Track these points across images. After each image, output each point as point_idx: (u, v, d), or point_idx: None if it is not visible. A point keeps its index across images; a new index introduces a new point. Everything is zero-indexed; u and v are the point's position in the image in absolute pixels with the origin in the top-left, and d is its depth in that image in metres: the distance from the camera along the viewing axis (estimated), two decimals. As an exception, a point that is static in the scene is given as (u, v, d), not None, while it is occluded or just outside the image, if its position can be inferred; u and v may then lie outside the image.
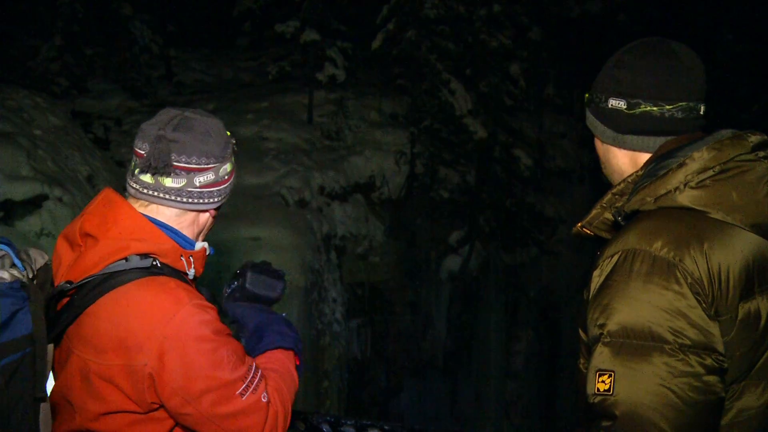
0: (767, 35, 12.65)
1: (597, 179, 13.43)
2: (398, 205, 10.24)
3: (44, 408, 1.68)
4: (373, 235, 9.81)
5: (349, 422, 2.34)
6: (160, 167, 1.65)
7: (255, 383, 1.63)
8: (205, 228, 1.81)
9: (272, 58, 11.69)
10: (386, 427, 2.29)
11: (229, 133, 1.79)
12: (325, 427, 2.38)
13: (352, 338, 9.47)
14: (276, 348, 1.81)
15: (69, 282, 1.65)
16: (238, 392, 1.59)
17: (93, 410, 1.61)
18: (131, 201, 1.71)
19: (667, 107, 1.56)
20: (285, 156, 9.52)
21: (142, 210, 1.71)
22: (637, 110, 1.58)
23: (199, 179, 1.69)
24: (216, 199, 1.74)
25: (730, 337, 1.39)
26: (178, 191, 1.68)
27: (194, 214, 1.75)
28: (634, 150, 1.62)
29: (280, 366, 1.77)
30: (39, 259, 1.72)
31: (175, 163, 1.66)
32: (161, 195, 1.68)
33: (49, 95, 8.80)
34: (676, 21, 13.11)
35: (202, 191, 1.70)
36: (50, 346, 1.68)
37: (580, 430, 1.65)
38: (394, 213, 10.19)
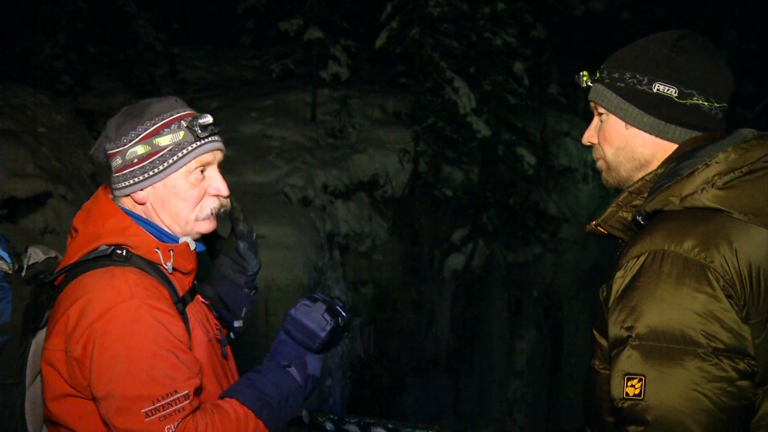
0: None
1: (601, 177, 13.39)
2: (401, 203, 10.23)
3: (33, 397, 1.71)
4: (376, 234, 9.79)
5: (352, 420, 2.33)
6: (97, 156, 1.77)
7: (169, 411, 1.51)
8: (166, 211, 1.75)
9: (276, 56, 11.69)
10: (390, 426, 2.28)
11: (198, 115, 1.77)
12: (329, 425, 2.36)
13: (355, 336, 9.46)
14: (232, 398, 1.69)
15: (51, 273, 1.71)
16: (143, 410, 1.50)
17: (44, 395, 1.65)
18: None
19: (716, 105, 1.50)
20: (288, 154, 9.51)
21: (123, 204, 1.76)
22: (689, 101, 1.49)
23: (113, 165, 1.74)
24: (123, 184, 1.73)
25: (760, 341, 1.35)
26: (110, 180, 1.76)
27: (129, 200, 1.76)
28: (673, 142, 1.53)
29: (233, 412, 1.65)
30: (38, 254, 1.78)
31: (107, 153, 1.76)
32: (110, 185, 1.77)
33: (53, 93, 8.80)
34: (680, 19, 13.08)
35: (114, 177, 1.74)
36: (44, 335, 1.71)
37: (588, 429, 1.64)
38: (398, 211, 10.18)
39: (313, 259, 8.37)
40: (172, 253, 1.72)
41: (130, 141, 1.71)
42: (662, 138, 1.54)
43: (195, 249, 1.81)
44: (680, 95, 1.49)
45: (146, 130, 1.71)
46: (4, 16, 9.18)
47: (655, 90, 1.51)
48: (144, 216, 1.76)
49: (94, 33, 10.26)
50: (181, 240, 1.78)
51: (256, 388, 1.71)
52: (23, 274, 1.71)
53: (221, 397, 1.71)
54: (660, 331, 1.34)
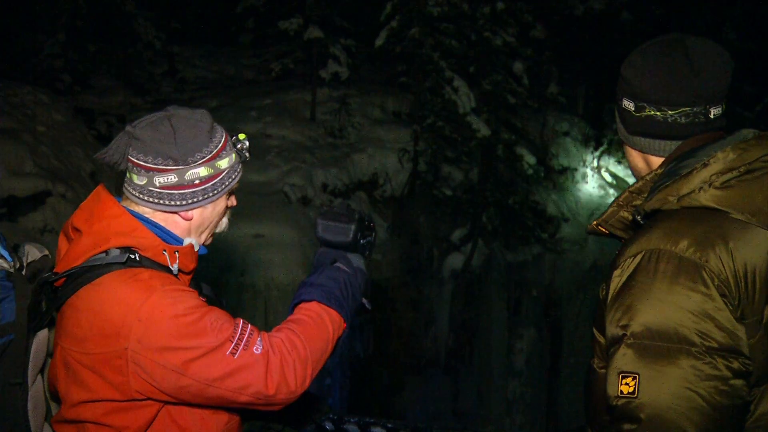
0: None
1: (600, 177, 13.41)
2: (401, 202, 10.23)
3: (35, 397, 1.70)
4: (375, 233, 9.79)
5: (352, 420, 2.33)
6: (115, 162, 1.69)
7: (245, 339, 1.62)
8: (200, 227, 1.79)
9: (275, 55, 11.68)
10: (390, 425, 2.28)
11: (241, 137, 1.79)
12: (328, 425, 2.37)
13: (354, 336, 9.47)
14: (301, 301, 1.80)
15: (55, 273, 1.69)
16: (228, 352, 1.59)
17: (75, 398, 1.63)
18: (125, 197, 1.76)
19: (670, 112, 1.53)
20: (288, 153, 9.51)
21: (129, 206, 1.74)
22: (643, 114, 1.56)
23: (159, 180, 1.68)
24: (180, 203, 1.71)
25: (755, 341, 1.36)
26: (141, 189, 1.70)
27: (163, 214, 1.74)
28: (643, 152, 1.61)
29: (303, 315, 1.76)
30: (35, 252, 1.78)
31: (134, 160, 1.68)
32: (130, 190, 1.72)
33: (53, 91, 8.80)
34: (679, 19, 13.08)
35: (162, 192, 1.70)
36: (44, 335, 1.71)
37: (589, 428, 1.64)
38: (397, 211, 10.18)
39: (312, 258, 8.37)
40: (177, 255, 1.73)
41: (195, 162, 1.70)
42: (634, 149, 1.63)
43: (198, 250, 1.83)
44: (636, 109, 1.58)
45: (211, 152, 1.72)
46: (4, 14, 9.18)
47: (623, 106, 1.61)
48: (152, 219, 1.75)
49: (93, 32, 10.28)
50: (186, 242, 1.79)
51: (315, 285, 1.81)
52: (24, 272, 1.71)
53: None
54: (654, 329, 1.35)
